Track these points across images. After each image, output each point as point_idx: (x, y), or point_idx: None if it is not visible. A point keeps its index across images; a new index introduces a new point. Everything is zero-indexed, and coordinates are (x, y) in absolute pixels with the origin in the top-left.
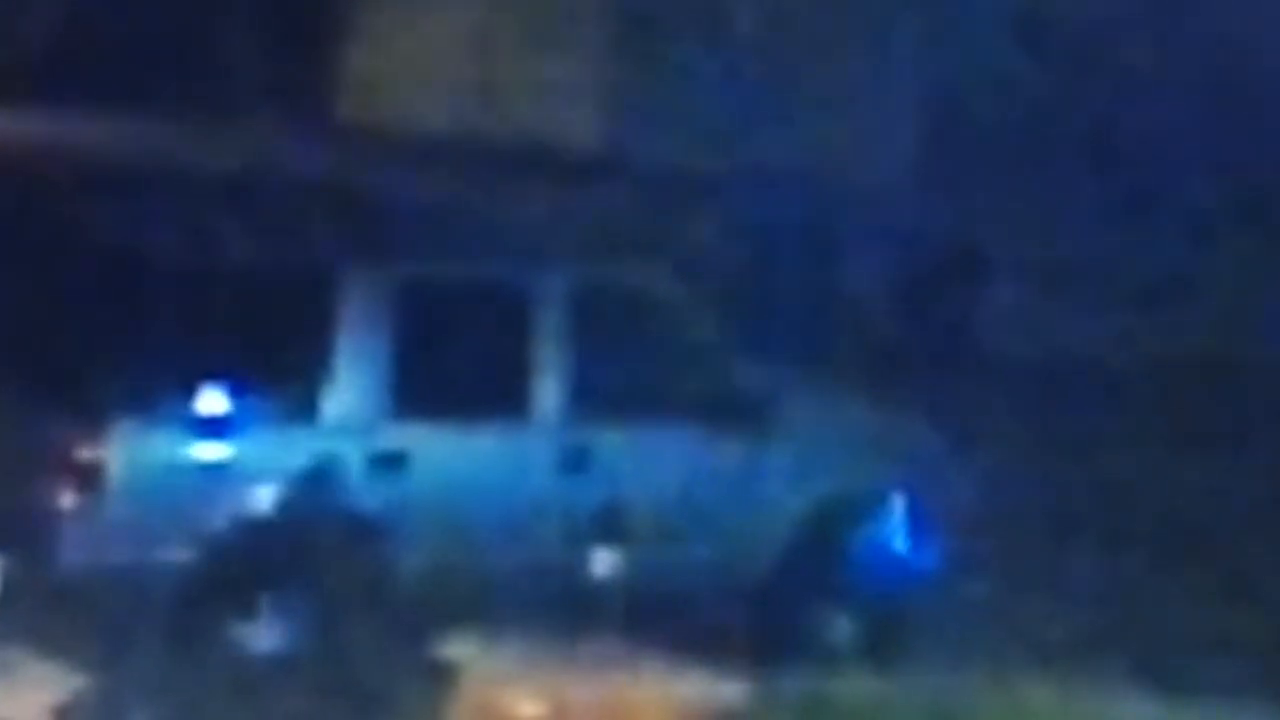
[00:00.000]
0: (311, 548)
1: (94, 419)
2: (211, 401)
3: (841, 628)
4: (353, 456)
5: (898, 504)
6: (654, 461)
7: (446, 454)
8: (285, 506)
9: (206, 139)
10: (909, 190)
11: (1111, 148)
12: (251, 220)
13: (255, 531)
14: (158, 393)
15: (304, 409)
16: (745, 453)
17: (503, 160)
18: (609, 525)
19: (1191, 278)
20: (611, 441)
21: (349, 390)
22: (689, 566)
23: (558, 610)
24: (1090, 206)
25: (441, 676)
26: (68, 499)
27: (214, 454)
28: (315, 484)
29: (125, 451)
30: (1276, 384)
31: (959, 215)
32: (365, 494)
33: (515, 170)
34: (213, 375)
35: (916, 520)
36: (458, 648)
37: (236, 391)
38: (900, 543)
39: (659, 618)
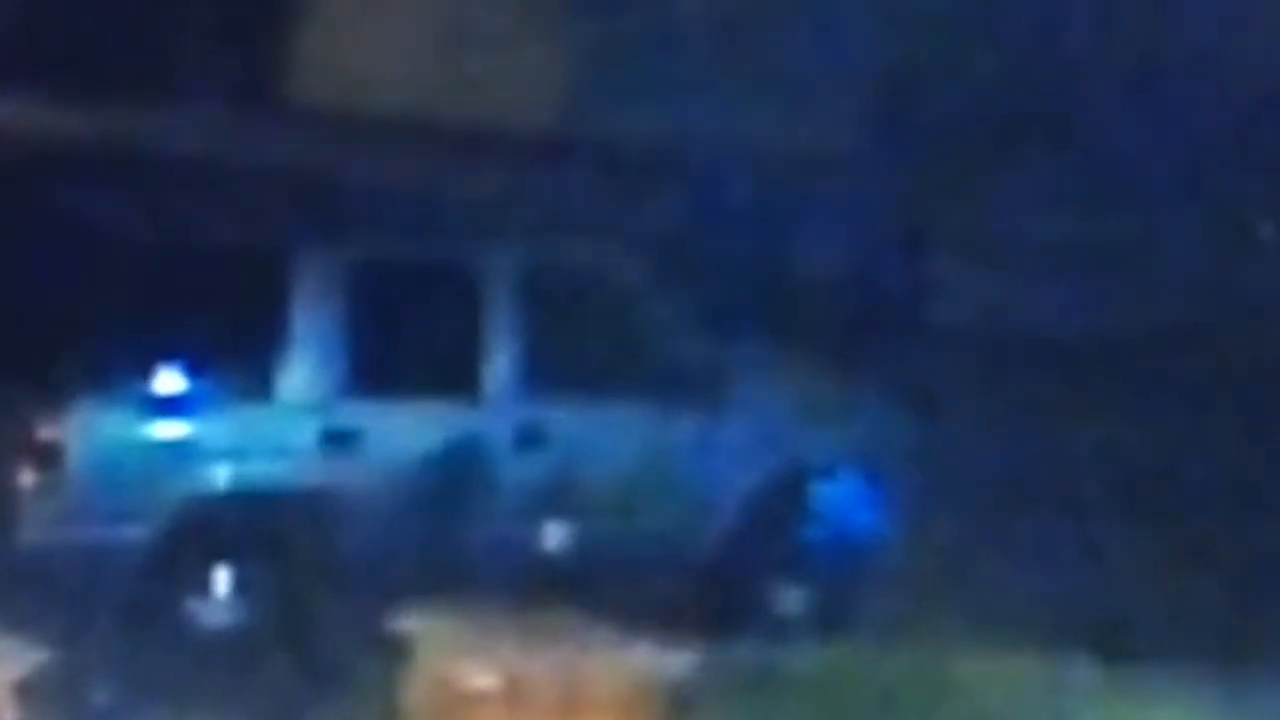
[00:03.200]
0: (267, 523)
1: (52, 399)
2: (168, 381)
3: (792, 600)
4: (307, 433)
5: (850, 477)
6: (606, 437)
7: (400, 431)
8: (245, 482)
9: (162, 120)
10: (860, 164)
11: (1063, 120)
12: (207, 201)
13: (210, 508)
14: (115, 372)
15: (259, 388)
16: (697, 427)
17: (455, 140)
18: (561, 500)
19: (1141, 249)
20: (564, 418)
21: (303, 369)
22: (641, 540)
23: (511, 584)
24: (1040, 180)
25: (396, 650)
26: (27, 477)
27: (171, 432)
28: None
29: (84, 430)
30: (1227, 354)
31: (909, 189)
32: (319, 470)
33: (467, 150)
34: (169, 355)
35: (869, 493)
36: (412, 621)
37: (193, 371)
38: (852, 516)
39: (611, 591)
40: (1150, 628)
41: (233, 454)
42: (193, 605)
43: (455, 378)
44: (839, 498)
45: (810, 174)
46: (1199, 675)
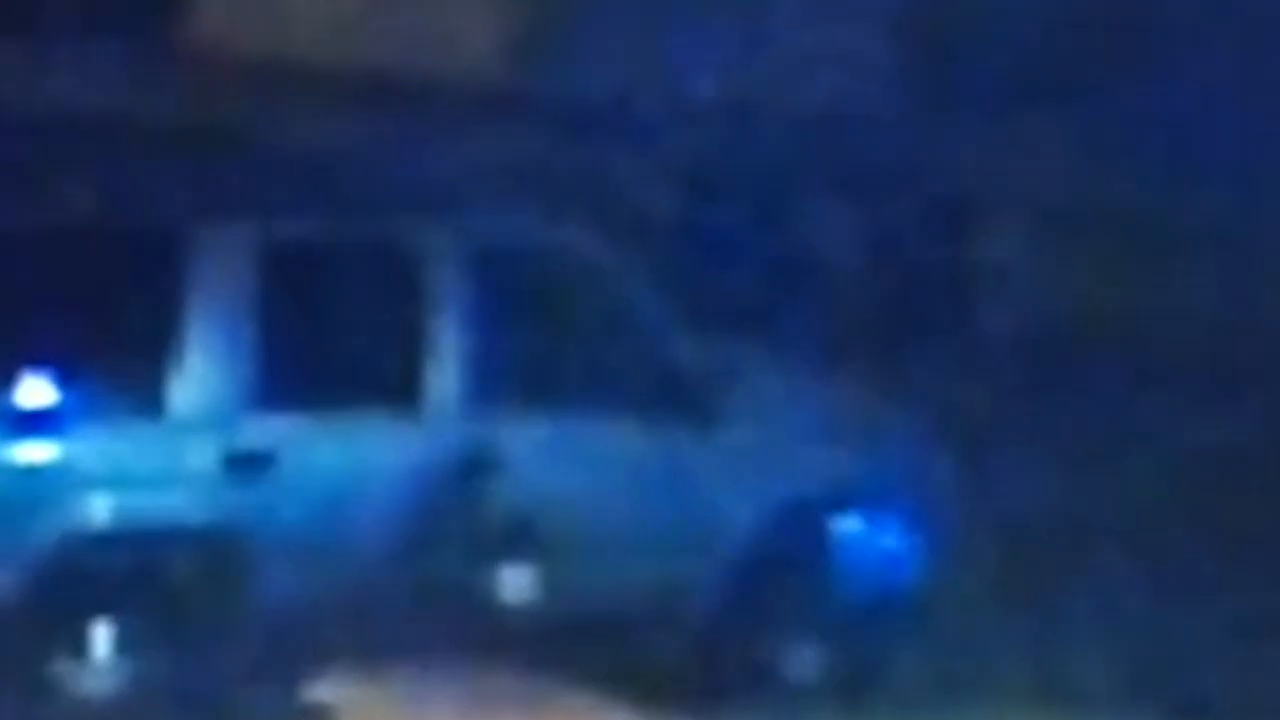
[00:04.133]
0: (156, 568)
1: None
2: (35, 392)
3: (803, 662)
4: (207, 457)
5: (874, 510)
6: (574, 460)
7: (320, 454)
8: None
9: (33, 71)
10: (884, 130)
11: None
12: (85, 170)
13: (87, 548)
14: None
15: (147, 400)
16: (687, 447)
17: (389, 98)
18: (519, 537)
19: (1236, 225)
20: (521, 436)
21: (202, 377)
22: (617, 587)
23: (456, 642)
24: (1098, 149)
25: None
26: None
27: (38, 455)
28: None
29: None
30: None
31: (947, 160)
32: (222, 502)
33: (404, 109)
34: (36, 360)
35: (897, 530)
36: (334, 688)
37: (65, 379)
38: (877, 558)
39: (580, 649)
40: (1234, 696)
41: (115, 482)
42: (65, 667)
43: (388, 387)
44: (860, 535)
45: (824, 140)
46: None
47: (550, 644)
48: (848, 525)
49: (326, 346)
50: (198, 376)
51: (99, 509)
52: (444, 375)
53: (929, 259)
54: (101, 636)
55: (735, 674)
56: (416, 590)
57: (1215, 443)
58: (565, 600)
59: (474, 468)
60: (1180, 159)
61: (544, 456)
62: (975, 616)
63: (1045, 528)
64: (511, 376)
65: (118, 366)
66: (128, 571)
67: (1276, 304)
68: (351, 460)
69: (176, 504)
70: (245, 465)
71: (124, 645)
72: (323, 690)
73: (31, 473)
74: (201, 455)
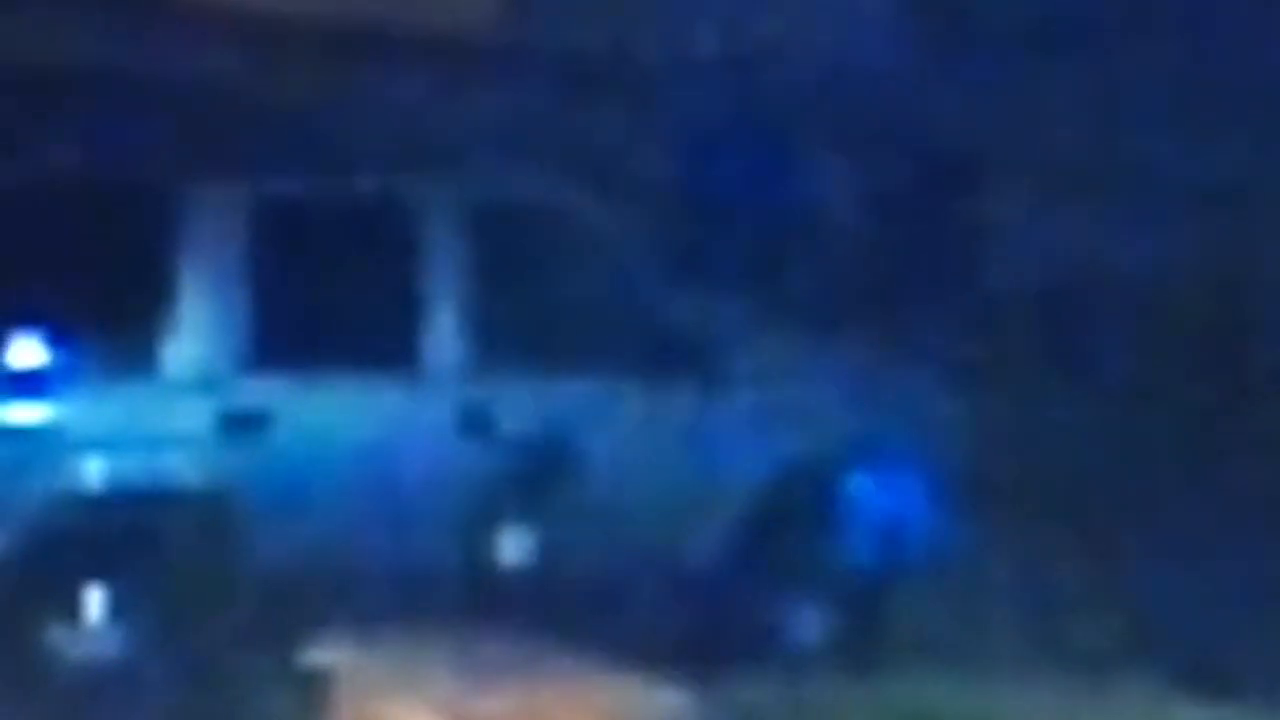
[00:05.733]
0: (150, 530)
1: None
2: (25, 352)
3: (808, 623)
4: (201, 418)
5: (881, 468)
6: (573, 420)
7: (317, 414)
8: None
9: (20, 27)
10: (888, 85)
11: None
12: (73, 126)
13: (80, 511)
14: None
15: (140, 360)
16: (688, 408)
17: (382, 50)
18: (518, 499)
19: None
20: (520, 396)
21: (195, 337)
22: (618, 548)
23: (455, 604)
24: (1105, 104)
25: (311, 687)
26: None
27: (29, 417)
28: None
29: None
30: None
31: (956, 112)
32: (216, 464)
33: (398, 62)
34: (26, 319)
35: (905, 488)
36: (332, 651)
37: (56, 340)
38: (884, 517)
39: (582, 612)
40: (1258, 660)
41: (107, 444)
42: (58, 633)
43: (384, 347)
44: (867, 494)
45: (826, 92)
46: None
47: (549, 607)
48: (852, 483)
49: (321, 306)
50: (191, 336)
51: (92, 471)
52: (440, 335)
53: (933, 215)
54: (94, 600)
55: (739, 637)
56: (413, 552)
57: (1220, 400)
58: (563, 563)
59: (471, 428)
60: (1190, 114)
61: (542, 417)
62: (979, 577)
63: (1050, 487)
64: (508, 336)
65: (110, 327)
66: (121, 534)
67: None
68: (347, 421)
69: (170, 466)
70: (239, 426)
71: (117, 609)
72: (317, 654)
73: (23, 435)
74: (195, 416)
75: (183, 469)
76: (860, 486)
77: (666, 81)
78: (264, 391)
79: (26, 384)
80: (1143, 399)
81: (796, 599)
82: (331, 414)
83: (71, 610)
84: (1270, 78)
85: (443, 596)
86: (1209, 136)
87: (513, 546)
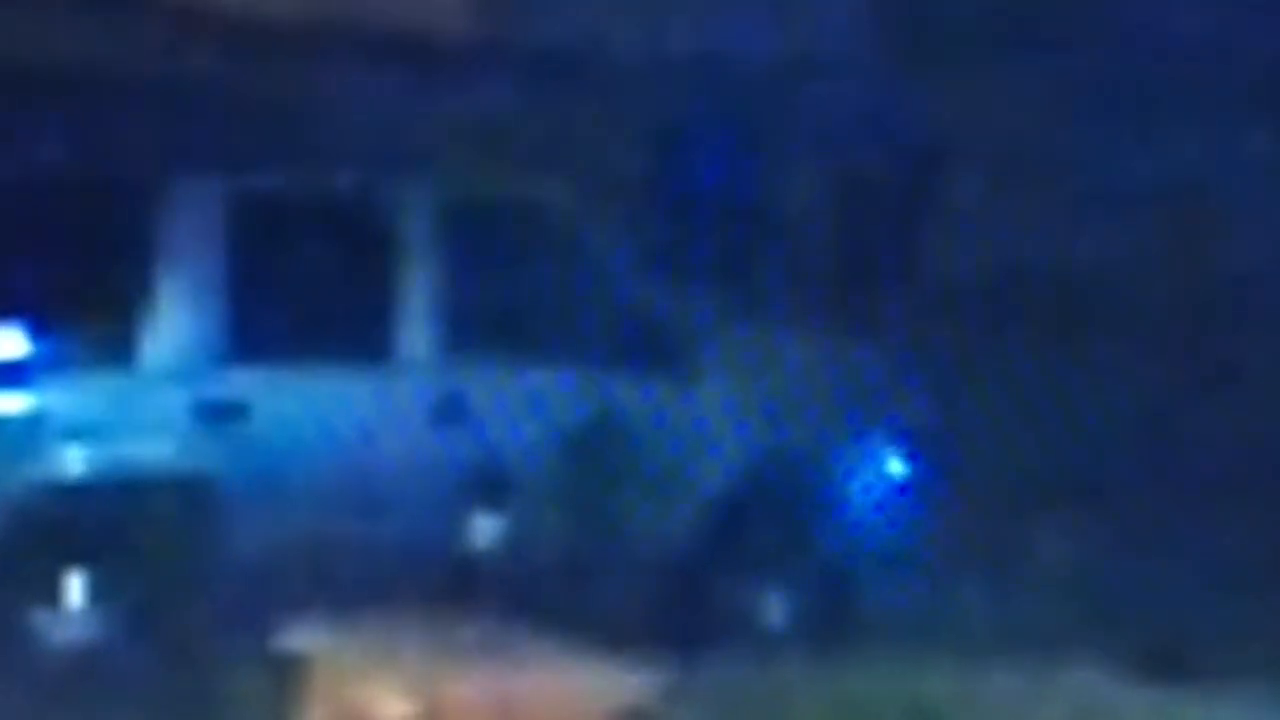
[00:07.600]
0: (129, 518)
1: None
2: (6, 343)
3: (777, 608)
4: (179, 407)
5: (848, 459)
6: (547, 410)
7: (292, 403)
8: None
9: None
10: (851, 79)
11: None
12: (56, 122)
13: (61, 499)
14: None
15: (119, 351)
16: (660, 397)
17: (358, 49)
18: (491, 487)
19: (1207, 169)
20: (493, 386)
21: (174, 328)
22: (591, 535)
23: (429, 590)
24: (1065, 94)
25: (288, 671)
26: None
27: (9, 406)
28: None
29: None
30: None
31: (920, 107)
32: (195, 452)
33: (373, 60)
34: (7, 311)
35: (871, 478)
36: (308, 637)
37: (36, 331)
38: (851, 506)
39: (554, 597)
40: (1210, 642)
41: (88, 433)
42: (39, 617)
43: (359, 338)
44: (834, 484)
45: (796, 88)
46: (1263, 698)
47: (523, 592)
48: (820, 472)
49: (298, 297)
50: (170, 327)
51: (72, 460)
52: (415, 326)
53: (895, 206)
54: (75, 586)
55: (711, 622)
56: (387, 538)
57: (1178, 387)
58: (537, 548)
59: (443, 417)
60: (1145, 110)
61: (515, 406)
62: (948, 565)
63: (1016, 475)
64: (483, 327)
65: (90, 318)
66: (101, 521)
67: (1233, 253)
68: (323, 410)
69: (149, 454)
70: (218, 415)
71: (97, 594)
72: (294, 639)
73: (3, 424)
74: (174, 406)
75: (161, 458)
76: (831, 474)
77: (637, 76)
78: (241, 382)
79: (7, 374)
80: (1103, 386)
81: (767, 584)
82: (307, 404)
83: (52, 595)
84: (1221, 74)
85: (418, 582)
86: (1165, 129)
87: (485, 532)
